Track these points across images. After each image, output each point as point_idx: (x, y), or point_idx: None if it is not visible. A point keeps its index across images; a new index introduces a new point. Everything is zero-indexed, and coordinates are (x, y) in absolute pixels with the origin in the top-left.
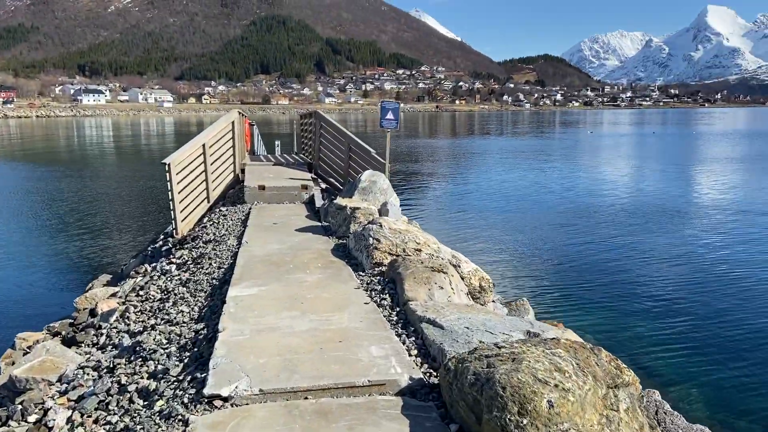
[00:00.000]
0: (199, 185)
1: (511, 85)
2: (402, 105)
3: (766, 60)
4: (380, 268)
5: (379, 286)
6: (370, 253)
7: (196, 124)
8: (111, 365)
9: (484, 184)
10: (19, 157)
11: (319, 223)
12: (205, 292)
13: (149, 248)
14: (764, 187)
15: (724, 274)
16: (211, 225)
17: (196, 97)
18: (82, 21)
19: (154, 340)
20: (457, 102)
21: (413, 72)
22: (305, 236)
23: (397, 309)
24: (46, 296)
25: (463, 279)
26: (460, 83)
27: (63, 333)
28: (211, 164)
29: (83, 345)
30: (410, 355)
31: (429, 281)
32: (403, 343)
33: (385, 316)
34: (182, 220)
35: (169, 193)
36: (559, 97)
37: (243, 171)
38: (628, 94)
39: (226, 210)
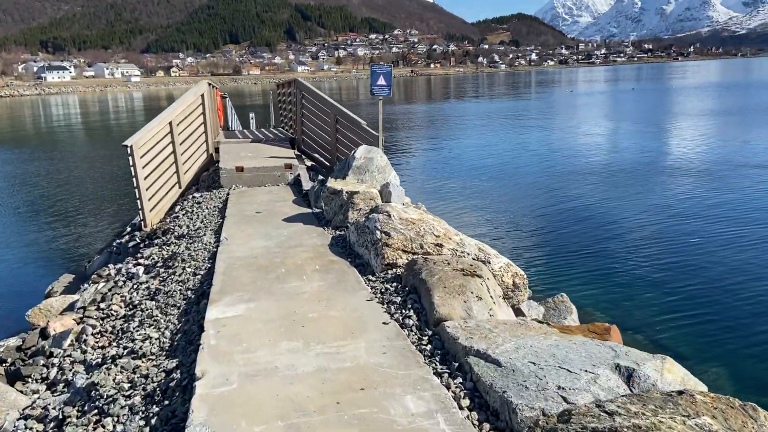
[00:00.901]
0: (167, 169)
1: (486, 47)
2: (389, 69)
3: (737, 11)
4: (394, 270)
5: (398, 297)
6: (379, 251)
7: (166, 98)
8: (60, 415)
9: (474, 151)
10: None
11: (310, 210)
12: (179, 308)
13: (114, 243)
14: (754, 138)
15: None
16: (184, 215)
17: (164, 70)
18: None
19: (114, 381)
20: (432, 66)
21: (386, 36)
22: (295, 227)
23: (429, 332)
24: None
25: (494, 277)
26: (435, 46)
27: (8, 361)
28: (180, 144)
29: (30, 380)
30: (461, 407)
31: (463, 290)
32: (448, 388)
33: (413, 343)
34: (150, 210)
35: (134, 179)
36: (534, 56)
37: (217, 150)
38: (603, 51)
39: (201, 196)
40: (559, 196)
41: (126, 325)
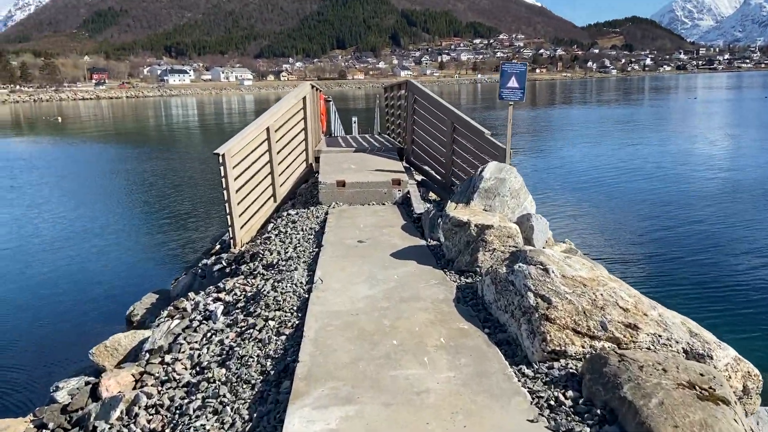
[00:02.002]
0: (262, 180)
1: (596, 51)
2: (480, 76)
3: None
4: (563, 361)
5: (584, 427)
6: (536, 327)
7: (275, 100)
8: None
9: (600, 163)
10: (109, 137)
11: (423, 242)
12: (253, 387)
13: (200, 264)
14: None
15: None
16: (276, 236)
17: (275, 74)
18: (168, 3)
19: None
20: (537, 71)
21: (491, 41)
22: (407, 268)
23: None
24: (78, 319)
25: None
26: (541, 51)
27: (50, 428)
28: (278, 153)
29: None
30: None
31: None
32: None
33: None
34: (241, 227)
35: (224, 192)
36: (648, 61)
37: (317, 160)
38: (726, 56)
39: (296, 214)
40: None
41: (186, 402)
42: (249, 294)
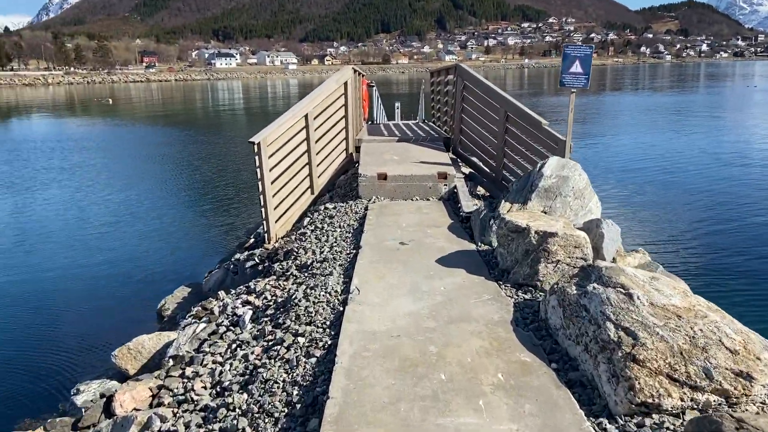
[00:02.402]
0: (299, 171)
1: (650, 36)
2: (527, 61)
3: None
4: (657, 417)
5: None
6: (618, 369)
7: (318, 84)
8: None
9: (669, 160)
10: (156, 119)
11: (472, 245)
12: (276, 423)
13: (233, 259)
14: None
15: None
16: (312, 232)
17: (319, 58)
18: None
19: None
20: None
21: (539, 25)
22: (456, 278)
23: None
24: (113, 308)
25: None
26: (592, 35)
27: None
28: (317, 142)
29: None
30: None
31: None
32: None
33: None
34: (276, 221)
35: (259, 183)
36: (704, 47)
37: (358, 149)
38: None
39: (334, 208)
40: None
41: None
42: (279, 300)
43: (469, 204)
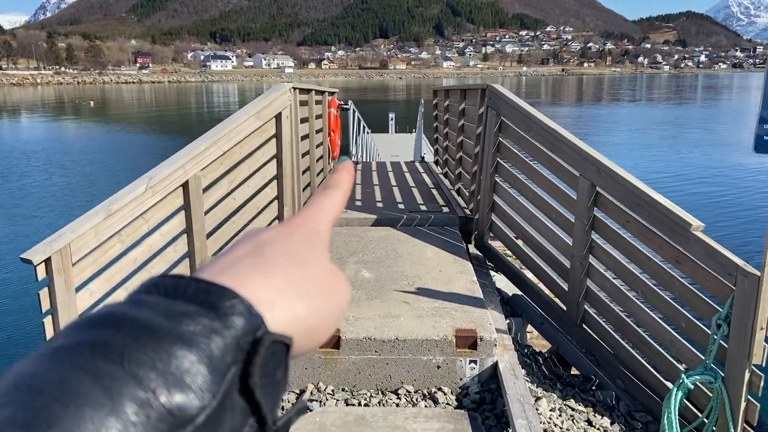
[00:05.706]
0: None
1: (648, 46)
2: (525, 69)
3: None
4: None
5: None
6: None
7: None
8: None
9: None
10: (138, 124)
11: None
12: None
13: None
14: None
15: None
16: None
17: (316, 62)
18: None
19: None
20: (585, 65)
21: (537, 33)
22: None
23: None
24: None
25: None
26: (589, 44)
27: None
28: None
29: None
30: None
31: None
32: None
33: None
34: None
35: None
36: (703, 58)
37: None
38: None
39: None
40: None
41: None
42: None
43: None
